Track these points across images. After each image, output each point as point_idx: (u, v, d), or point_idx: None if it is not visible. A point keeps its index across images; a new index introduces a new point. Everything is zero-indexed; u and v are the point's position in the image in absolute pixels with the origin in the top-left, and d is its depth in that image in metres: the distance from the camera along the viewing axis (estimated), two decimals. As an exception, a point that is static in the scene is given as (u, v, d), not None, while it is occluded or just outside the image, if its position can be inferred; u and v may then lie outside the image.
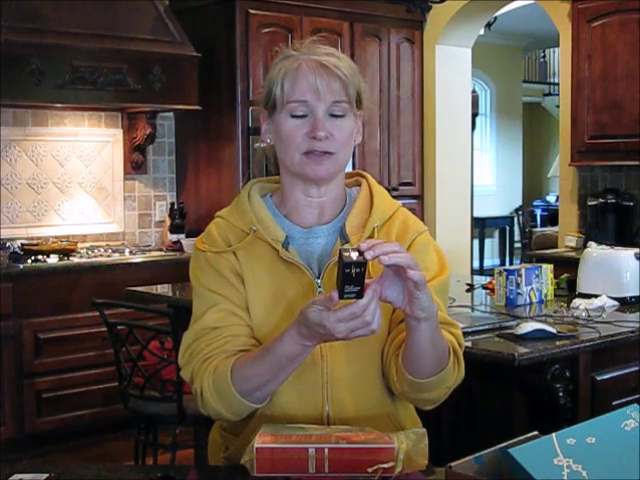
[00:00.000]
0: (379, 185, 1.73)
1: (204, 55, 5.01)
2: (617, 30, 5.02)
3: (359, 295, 1.36)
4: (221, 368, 1.55)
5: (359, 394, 1.62)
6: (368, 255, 1.35)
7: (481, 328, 2.77)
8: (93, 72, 4.56)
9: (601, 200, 5.23)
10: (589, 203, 5.33)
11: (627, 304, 3.21)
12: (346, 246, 1.41)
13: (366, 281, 1.36)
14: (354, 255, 1.34)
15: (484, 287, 3.68)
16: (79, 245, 4.91)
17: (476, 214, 8.26)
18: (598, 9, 5.09)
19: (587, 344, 2.65)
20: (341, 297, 1.36)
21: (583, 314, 2.98)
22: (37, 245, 4.69)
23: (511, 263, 10.93)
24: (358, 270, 1.34)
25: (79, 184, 5.16)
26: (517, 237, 11.50)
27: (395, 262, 1.38)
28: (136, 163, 5.31)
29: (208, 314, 1.62)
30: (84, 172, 5.17)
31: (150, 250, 5.09)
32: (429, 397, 1.59)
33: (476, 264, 9.96)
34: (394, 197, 1.76)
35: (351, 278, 1.34)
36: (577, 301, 3.16)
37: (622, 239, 4.97)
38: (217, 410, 1.57)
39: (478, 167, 10.33)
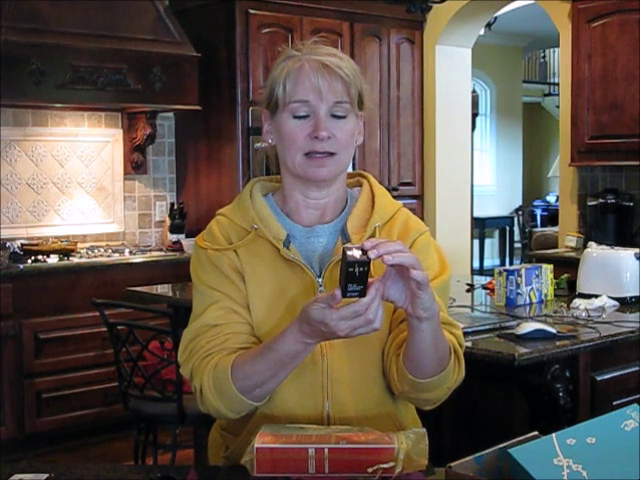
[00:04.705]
0: (380, 185, 1.74)
1: (204, 55, 5.01)
2: (617, 30, 5.02)
3: (362, 294, 1.36)
4: (221, 365, 1.55)
5: (359, 394, 1.62)
6: (372, 254, 1.34)
7: (481, 328, 2.77)
8: (93, 72, 4.56)
9: (601, 200, 5.23)
10: (589, 203, 5.33)
11: (627, 304, 3.21)
12: (349, 245, 1.41)
13: (369, 280, 1.36)
14: (357, 254, 1.34)
15: (484, 287, 3.68)
16: (79, 245, 4.91)
17: (476, 214, 8.26)
18: (598, 9, 5.09)
19: (587, 344, 2.65)
20: (344, 295, 1.36)
21: (583, 314, 2.98)
22: (37, 245, 4.69)
23: (511, 263, 10.92)
24: (361, 269, 1.34)
25: (79, 184, 5.16)
26: (517, 237, 11.49)
27: (399, 262, 1.38)
28: (136, 163, 5.31)
29: (209, 311, 1.62)
30: (84, 172, 5.17)
31: (150, 250, 5.10)
32: (429, 397, 1.59)
33: (476, 264, 9.95)
34: (394, 197, 1.76)
35: (354, 277, 1.34)
36: (577, 301, 3.16)
37: (622, 239, 4.97)
38: (216, 408, 1.57)
39: (478, 167, 10.33)
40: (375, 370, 1.63)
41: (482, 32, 6.75)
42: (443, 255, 1.70)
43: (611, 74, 5.06)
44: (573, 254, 4.95)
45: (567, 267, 3.84)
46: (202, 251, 1.66)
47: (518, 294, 3.22)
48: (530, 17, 8.31)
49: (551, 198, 12.25)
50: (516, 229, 11.40)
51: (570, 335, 2.68)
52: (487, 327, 2.80)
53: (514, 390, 2.75)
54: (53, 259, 4.57)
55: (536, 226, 11.19)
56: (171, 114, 5.48)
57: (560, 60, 5.82)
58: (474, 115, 7.01)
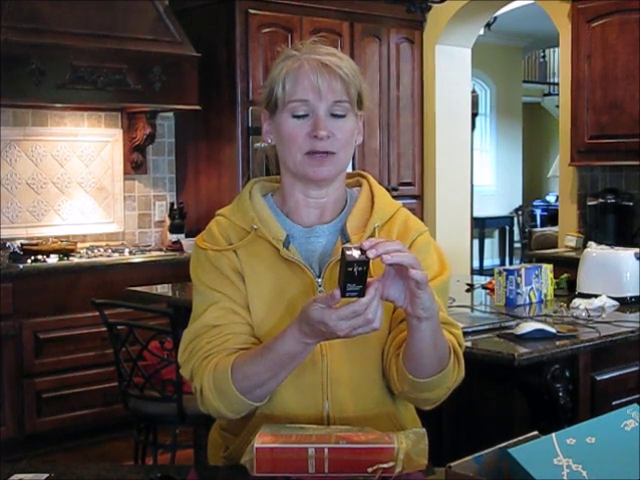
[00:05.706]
0: (380, 186, 1.74)
1: (204, 55, 5.01)
2: (617, 30, 5.02)
3: (361, 294, 1.36)
4: (221, 366, 1.55)
5: (359, 394, 1.62)
6: (370, 254, 1.35)
7: (481, 328, 2.77)
8: (93, 72, 4.56)
9: (601, 200, 5.23)
10: (589, 203, 5.33)
11: (627, 304, 3.21)
12: (348, 245, 1.41)
13: (368, 280, 1.36)
14: (356, 254, 1.34)
15: (484, 287, 3.68)
16: (79, 245, 4.91)
17: (476, 214, 8.26)
18: (598, 9, 5.09)
19: (587, 344, 2.65)
20: (343, 295, 1.36)
21: (583, 314, 2.98)
22: (37, 245, 4.69)
23: (511, 263, 10.93)
24: (360, 269, 1.34)
25: (79, 184, 5.16)
26: (517, 237, 11.50)
27: (398, 261, 1.38)
28: (136, 163, 5.31)
29: (209, 312, 1.62)
30: (84, 172, 5.17)
31: (150, 250, 5.09)
32: (429, 397, 1.59)
33: (476, 264, 9.96)
34: (394, 197, 1.77)
35: (353, 277, 1.34)
36: (577, 301, 3.16)
37: (622, 239, 4.97)
38: (216, 408, 1.57)
39: (478, 167, 10.33)
40: (375, 370, 1.62)
41: (482, 32, 6.75)
42: (443, 255, 1.70)
43: (611, 74, 5.06)
44: (573, 254, 4.95)
45: (567, 267, 3.84)
46: (202, 252, 1.66)
47: (518, 294, 3.22)
48: (530, 17, 8.31)
49: (551, 198, 12.25)
50: (516, 229, 11.41)
51: (570, 335, 2.68)
52: (487, 327, 2.80)
53: (514, 390, 2.75)
54: (53, 259, 4.57)
55: (536, 226, 11.19)
56: (171, 114, 5.48)
57: (560, 60, 5.82)
58: (474, 115, 7.02)
